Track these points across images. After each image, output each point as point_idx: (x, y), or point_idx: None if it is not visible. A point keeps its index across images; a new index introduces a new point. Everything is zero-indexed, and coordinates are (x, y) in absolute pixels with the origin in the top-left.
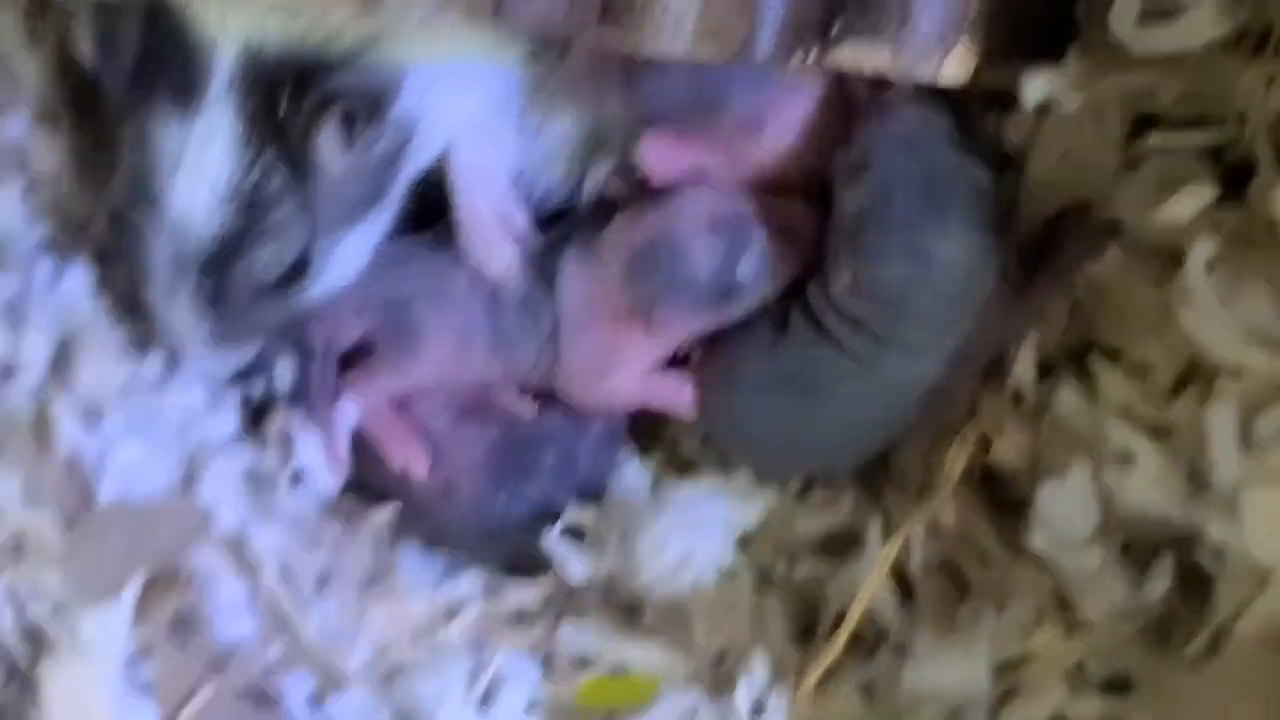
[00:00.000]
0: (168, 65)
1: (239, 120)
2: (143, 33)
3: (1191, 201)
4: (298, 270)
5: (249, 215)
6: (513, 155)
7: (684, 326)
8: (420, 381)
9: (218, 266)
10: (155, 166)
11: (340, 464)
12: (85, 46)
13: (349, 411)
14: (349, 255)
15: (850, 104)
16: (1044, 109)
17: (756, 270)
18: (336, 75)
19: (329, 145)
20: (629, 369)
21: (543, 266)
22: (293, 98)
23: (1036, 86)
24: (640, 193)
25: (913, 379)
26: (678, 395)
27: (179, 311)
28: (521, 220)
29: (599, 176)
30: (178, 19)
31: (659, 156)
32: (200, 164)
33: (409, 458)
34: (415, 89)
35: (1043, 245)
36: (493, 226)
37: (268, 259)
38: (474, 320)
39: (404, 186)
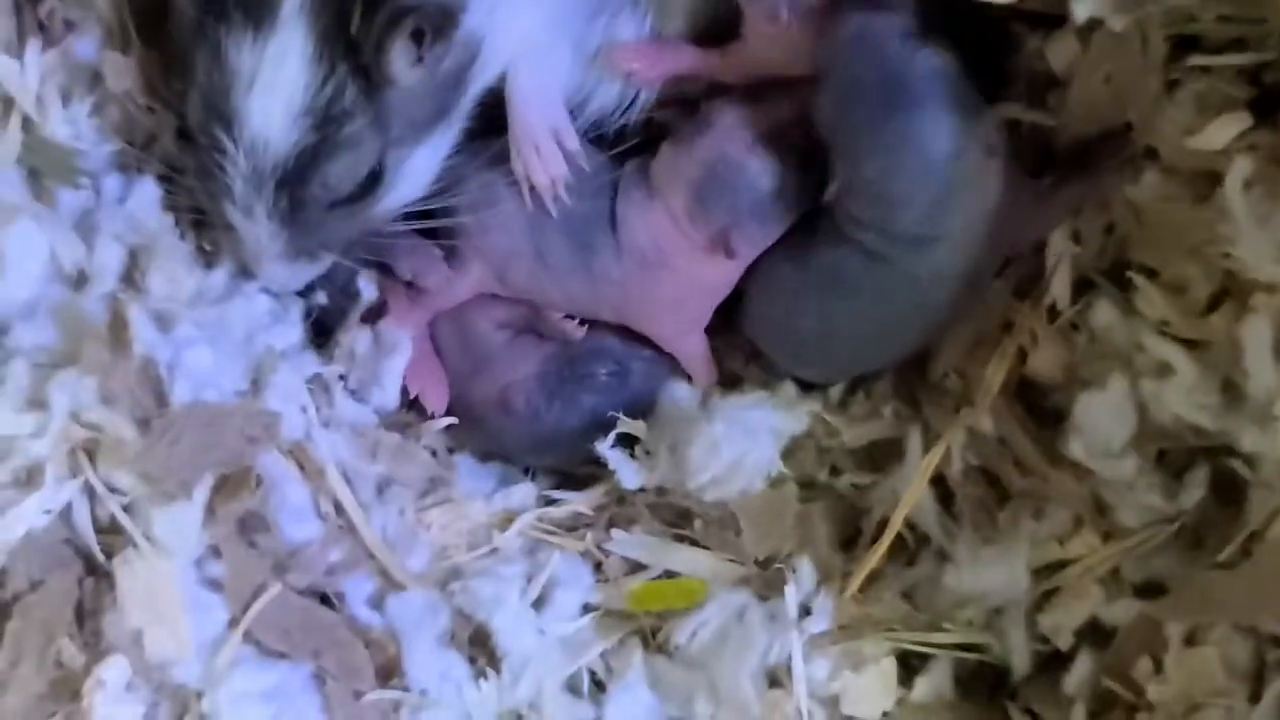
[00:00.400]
0: None
1: (311, 37)
2: None
3: (1227, 129)
4: (371, 183)
5: (323, 130)
6: (568, 72)
7: (759, 241)
8: (458, 298)
9: (294, 181)
10: (230, 85)
11: (398, 379)
12: None
13: (396, 334)
14: (419, 169)
15: None
16: (1089, 29)
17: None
18: None
19: (400, 60)
20: (707, 299)
21: (593, 204)
22: (364, 14)
23: (1085, 4)
24: (683, 117)
25: (935, 268)
26: (706, 367)
27: (256, 226)
28: (572, 135)
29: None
30: None
31: (641, 59)
32: (275, 82)
33: (428, 393)
34: (482, 6)
35: (1078, 158)
36: (545, 139)
37: (342, 172)
38: (517, 245)
39: (470, 103)
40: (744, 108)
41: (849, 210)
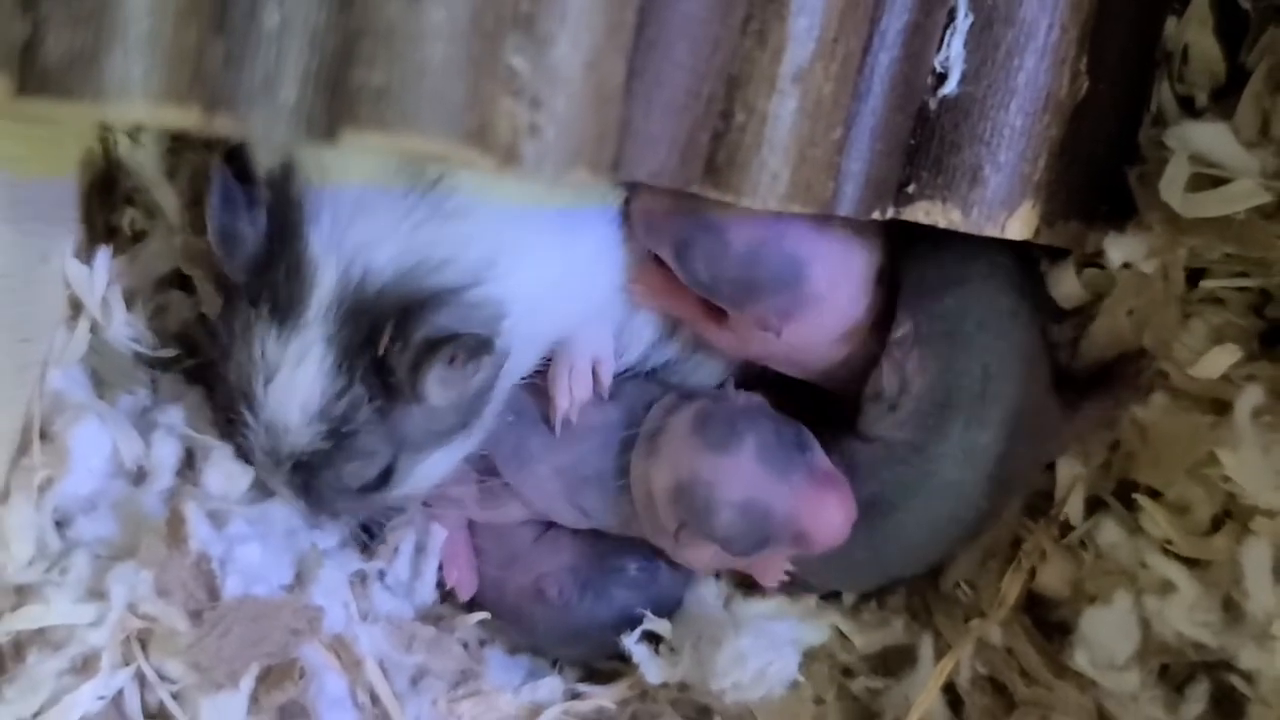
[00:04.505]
0: (276, 271)
1: (333, 349)
2: (266, 231)
3: (1227, 356)
4: (381, 481)
5: (334, 439)
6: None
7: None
8: (508, 519)
9: (308, 469)
10: (254, 370)
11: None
12: (212, 233)
13: (434, 531)
14: (435, 469)
15: None
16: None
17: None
18: (441, 313)
19: (434, 385)
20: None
21: (620, 466)
22: (395, 336)
23: (1119, 248)
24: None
25: (968, 476)
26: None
27: (277, 487)
28: (608, 370)
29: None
30: (295, 227)
31: (645, 282)
32: (293, 382)
33: (458, 578)
34: (523, 313)
35: (1094, 381)
36: (582, 361)
37: (352, 473)
38: (556, 504)
39: (497, 407)
40: (733, 471)
41: (894, 417)
